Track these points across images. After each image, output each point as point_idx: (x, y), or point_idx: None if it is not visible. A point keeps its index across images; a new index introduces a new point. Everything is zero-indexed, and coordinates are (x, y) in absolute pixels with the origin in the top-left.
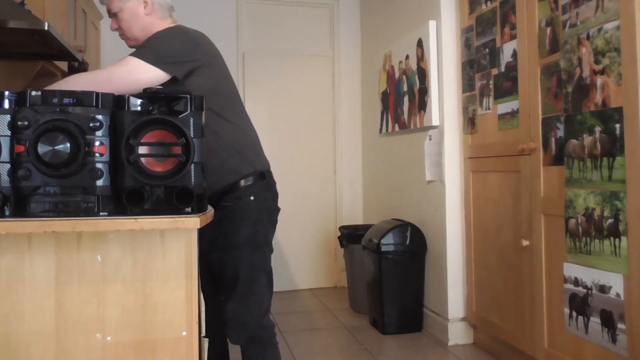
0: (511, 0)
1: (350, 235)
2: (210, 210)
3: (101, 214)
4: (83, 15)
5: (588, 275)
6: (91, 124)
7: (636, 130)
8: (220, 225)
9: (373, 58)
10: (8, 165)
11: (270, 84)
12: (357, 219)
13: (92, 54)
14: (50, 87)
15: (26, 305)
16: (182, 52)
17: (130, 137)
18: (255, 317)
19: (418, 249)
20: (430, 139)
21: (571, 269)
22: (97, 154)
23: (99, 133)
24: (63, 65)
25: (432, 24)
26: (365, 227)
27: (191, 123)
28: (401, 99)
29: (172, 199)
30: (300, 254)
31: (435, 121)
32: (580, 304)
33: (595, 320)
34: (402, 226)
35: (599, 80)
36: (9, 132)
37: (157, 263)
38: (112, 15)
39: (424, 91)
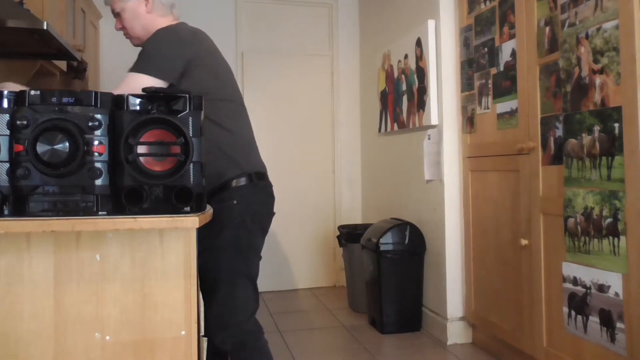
0: (510, 0)
1: (349, 235)
2: (210, 209)
3: (100, 213)
4: (82, 14)
5: (587, 274)
6: (90, 123)
7: (635, 130)
8: (205, 227)
9: (372, 57)
10: (7, 165)
11: (269, 84)
12: (356, 219)
13: (91, 54)
14: None
15: (25, 304)
16: (172, 56)
17: (129, 137)
18: (237, 321)
19: (417, 248)
20: (429, 139)
21: (570, 269)
22: (96, 154)
23: (97, 132)
24: (62, 64)
25: (431, 23)
26: (364, 227)
27: (190, 122)
28: (400, 98)
29: (171, 198)
30: (299, 253)
31: (434, 120)
32: (579, 304)
33: (594, 320)
34: (401, 225)
35: (598, 80)
36: (8, 132)
37: (156, 262)
38: (116, 15)
39: (422, 90)
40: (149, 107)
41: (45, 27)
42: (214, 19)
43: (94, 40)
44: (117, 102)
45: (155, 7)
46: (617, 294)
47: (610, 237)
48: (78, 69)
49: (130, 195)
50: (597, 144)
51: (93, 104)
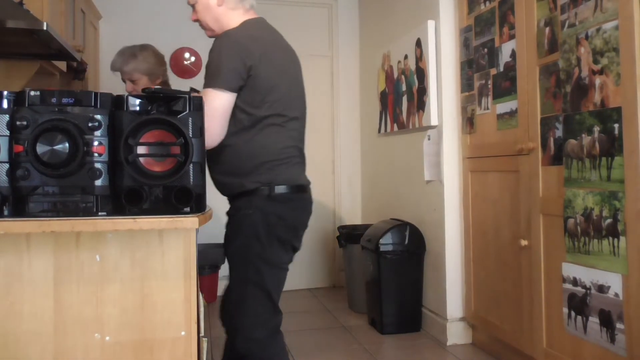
0: (510, 0)
1: (349, 235)
2: (210, 210)
3: (100, 213)
4: (82, 15)
5: (587, 275)
6: (90, 124)
7: (635, 130)
8: (226, 231)
9: (372, 58)
10: (7, 165)
11: None
12: (356, 219)
13: (91, 54)
14: None
15: (25, 305)
16: (232, 66)
17: (128, 137)
18: (245, 326)
19: (417, 248)
20: (429, 139)
21: (570, 269)
22: (96, 154)
23: (97, 133)
24: (62, 65)
25: (430, 23)
26: (364, 227)
27: (190, 123)
28: (400, 98)
29: (170, 199)
30: (299, 254)
31: (433, 121)
32: (579, 304)
33: (594, 320)
34: (400, 226)
35: (598, 80)
36: (7, 132)
37: (155, 263)
38: (191, 6)
39: (422, 91)
40: (149, 108)
41: (45, 28)
42: None
43: (93, 40)
44: (117, 103)
45: (226, 0)
46: (616, 295)
47: (610, 238)
48: (78, 70)
49: (130, 195)
50: (597, 145)
51: (93, 104)
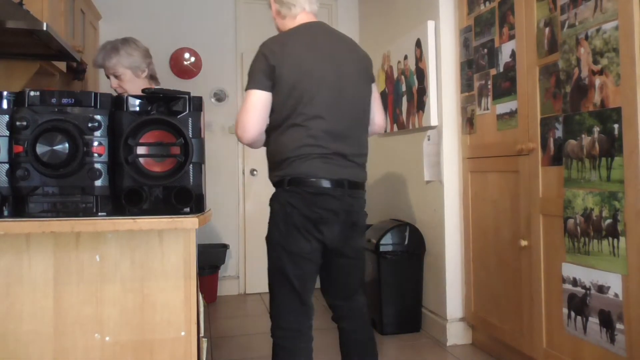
0: (510, 1)
1: None
2: (209, 210)
3: (100, 214)
4: (82, 15)
5: (586, 275)
6: (90, 124)
7: (634, 131)
8: None
9: (371, 58)
10: (7, 166)
11: None
12: None
13: (91, 54)
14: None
15: (24, 305)
16: (261, 68)
17: (128, 137)
18: (273, 313)
19: (416, 249)
20: (428, 139)
21: (570, 269)
22: (96, 154)
23: (97, 133)
24: (61, 65)
25: (430, 24)
26: None
27: (190, 123)
28: (400, 99)
29: (170, 199)
30: None
31: (433, 121)
32: (578, 304)
33: (593, 321)
34: (400, 226)
35: (598, 81)
36: (7, 132)
37: (155, 263)
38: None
39: (422, 91)
40: (149, 108)
41: (44, 28)
42: (213, 19)
43: (93, 41)
44: (117, 103)
45: (279, 12)
46: (616, 295)
47: (610, 238)
48: (78, 70)
49: (129, 196)
50: (597, 145)
51: (93, 104)
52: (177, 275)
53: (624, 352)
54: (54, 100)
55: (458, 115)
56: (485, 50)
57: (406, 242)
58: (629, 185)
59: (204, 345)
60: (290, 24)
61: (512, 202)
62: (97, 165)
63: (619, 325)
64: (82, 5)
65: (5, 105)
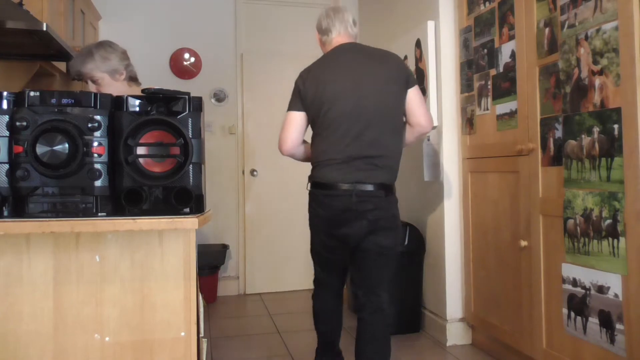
0: (510, 1)
1: None
2: (209, 210)
3: (99, 214)
4: (81, 15)
5: (586, 275)
6: (89, 125)
7: (634, 131)
8: None
9: None
10: (6, 166)
11: (268, 85)
12: None
13: None
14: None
15: (24, 305)
16: (295, 93)
17: (128, 138)
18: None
19: (416, 249)
20: (428, 140)
21: (569, 270)
22: (96, 155)
23: (97, 134)
24: (61, 65)
25: (430, 24)
26: None
27: (189, 123)
28: None
29: (170, 200)
30: (299, 254)
31: (433, 122)
32: (578, 305)
33: (593, 321)
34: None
35: (597, 81)
36: (7, 133)
37: (155, 263)
38: None
39: (422, 92)
40: (149, 109)
41: (44, 29)
42: (213, 20)
43: (93, 41)
44: (117, 104)
45: (321, 40)
46: (616, 295)
47: (610, 239)
48: None
49: (129, 196)
50: (597, 145)
51: (92, 105)
52: (177, 275)
53: (623, 353)
54: (53, 101)
55: (458, 115)
56: (485, 50)
57: (406, 242)
58: (628, 185)
59: (204, 345)
60: (329, 49)
61: (512, 202)
62: (97, 166)
63: (618, 326)
64: (82, 5)
65: (5, 105)
